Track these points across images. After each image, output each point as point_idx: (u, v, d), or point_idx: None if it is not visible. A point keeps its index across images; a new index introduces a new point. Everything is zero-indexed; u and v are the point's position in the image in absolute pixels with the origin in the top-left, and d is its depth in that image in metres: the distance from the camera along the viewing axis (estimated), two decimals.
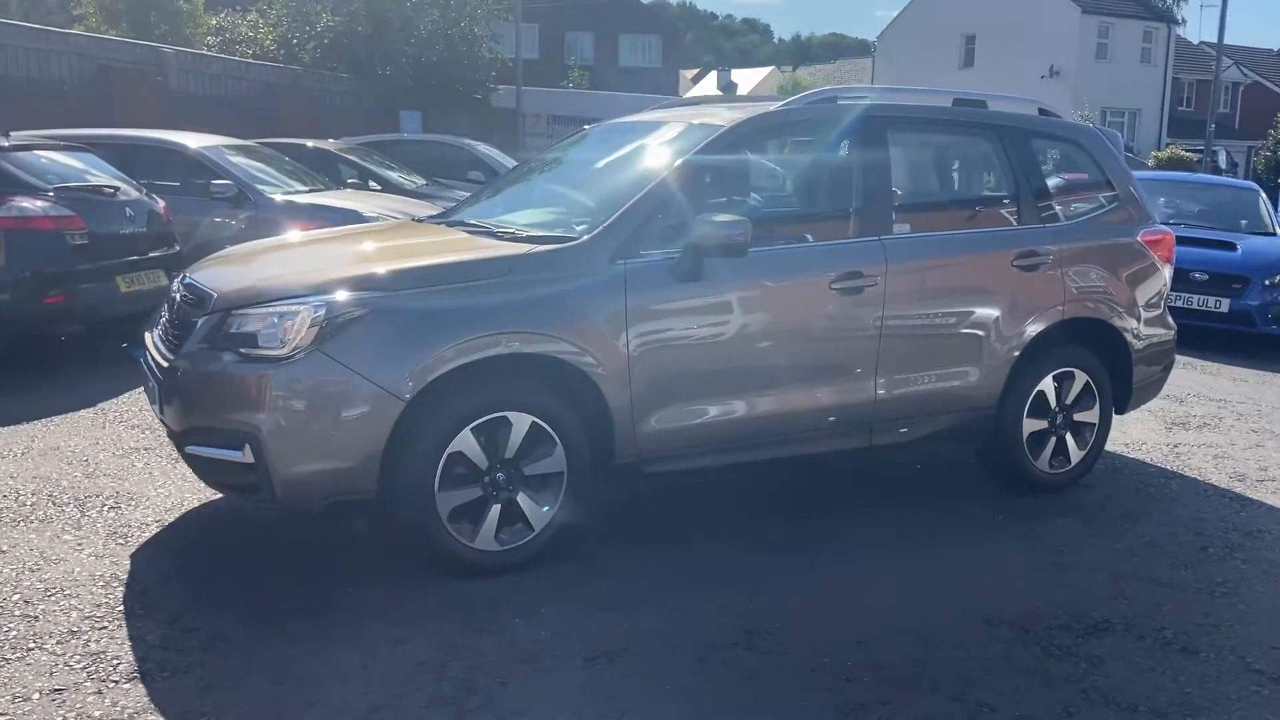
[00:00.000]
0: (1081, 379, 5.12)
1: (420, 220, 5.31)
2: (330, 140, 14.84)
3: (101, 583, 3.73)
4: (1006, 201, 5.12)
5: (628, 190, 4.22)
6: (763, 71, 72.15)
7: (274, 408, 3.56)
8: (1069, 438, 5.12)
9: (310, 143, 14.24)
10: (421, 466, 3.69)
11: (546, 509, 3.94)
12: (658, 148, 4.59)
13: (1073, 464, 5.17)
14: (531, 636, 3.43)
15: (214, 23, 26.04)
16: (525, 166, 5.79)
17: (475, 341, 3.73)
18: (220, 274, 4.15)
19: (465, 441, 3.76)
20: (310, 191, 10.47)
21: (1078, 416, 5.14)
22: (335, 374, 3.57)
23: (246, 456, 3.60)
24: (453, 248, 4.28)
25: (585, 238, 4.06)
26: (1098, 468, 5.47)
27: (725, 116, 4.53)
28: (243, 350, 3.65)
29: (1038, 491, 5.09)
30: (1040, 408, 5.02)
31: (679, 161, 4.26)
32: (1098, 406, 5.18)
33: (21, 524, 4.29)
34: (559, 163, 5.37)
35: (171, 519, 4.40)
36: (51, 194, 7.43)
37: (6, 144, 7.66)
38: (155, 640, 3.32)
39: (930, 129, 5.05)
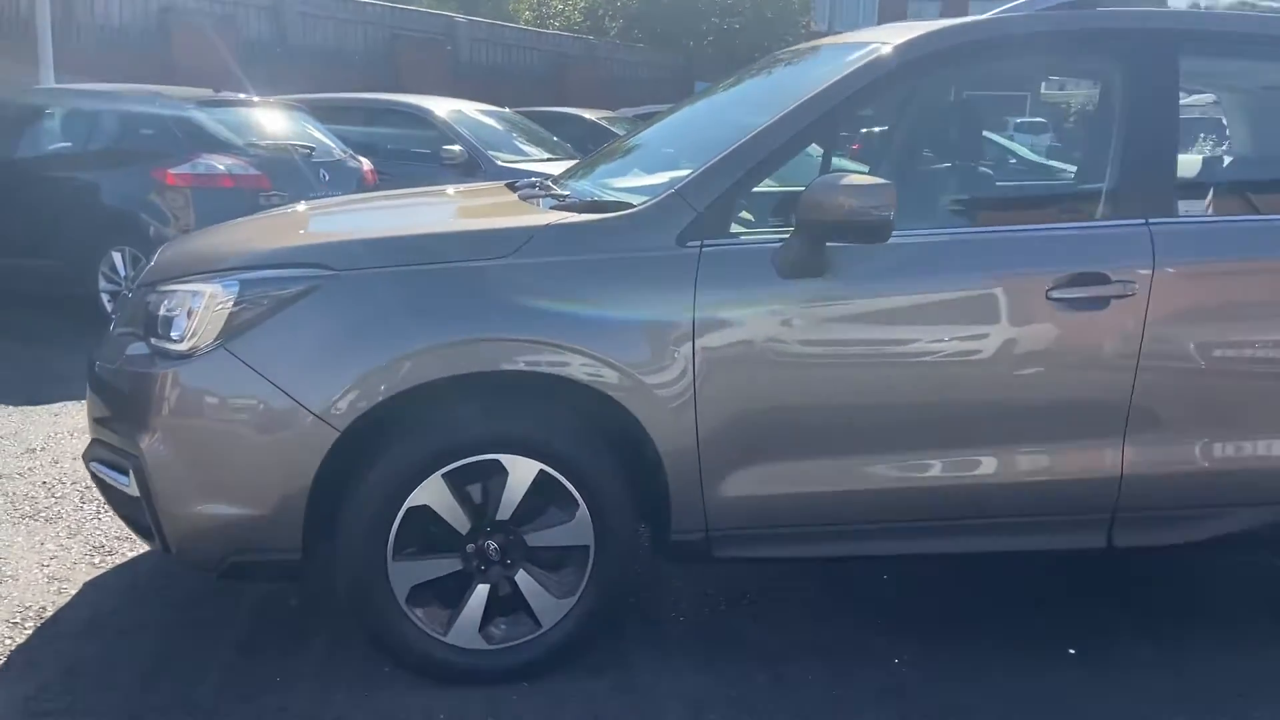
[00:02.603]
0: None
1: (534, 182, 4.14)
2: (605, 111, 14.24)
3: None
4: None
5: (720, 142, 2.83)
6: None
7: (159, 424, 2.56)
8: None
9: (589, 114, 13.75)
10: (366, 523, 2.56)
11: (563, 598, 2.68)
12: (789, 81, 3.15)
13: None
14: None
15: None
16: (695, 108, 4.40)
17: (453, 349, 2.54)
18: (187, 240, 3.21)
19: (434, 493, 2.58)
20: (547, 160, 9.72)
21: None
22: (242, 382, 2.51)
23: (131, 487, 2.63)
24: (476, 214, 3.09)
25: (641, 206, 2.73)
26: None
27: (902, 34, 2.99)
28: (152, 341, 2.67)
29: None
30: None
31: (802, 99, 2.80)
32: None
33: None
34: (715, 105, 3.98)
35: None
36: (243, 152, 7.08)
37: (208, 98, 7.40)
38: None
39: (1255, 53, 3.17)
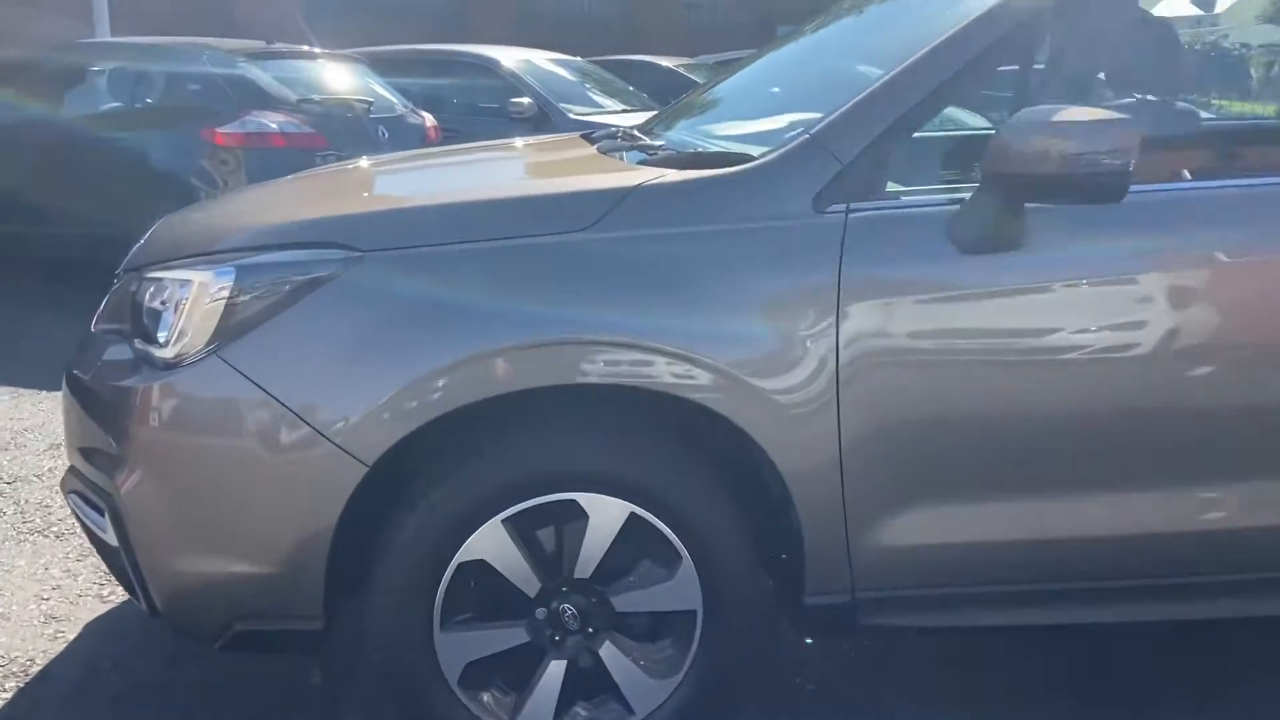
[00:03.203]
0: None
1: (614, 131, 3.43)
2: (683, 58, 13.47)
3: None
4: None
5: (841, 85, 2.12)
6: None
7: (139, 455, 1.96)
8: None
9: (665, 61, 13.02)
10: (406, 584, 1.95)
11: (661, 678, 2.04)
12: (921, 9, 2.40)
13: None
14: None
15: None
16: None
17: (516, 357, 1.89)
18: (192, 210, 2.58)
19: (493, 544, 1.95)
20: (622, 111, 9.02)
21: None
22: (241, 401, 1.90)
23: (109, 534, 2.04)
24: (545, 173, 2.42)
25: (765, 158, 2.03)
26: None
27: None
28: (137, 344, 2.07)
29: None
30: None
31: (969, 17, 2.06)
32: None
33: None
34: (817, 44, 3.23)
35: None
36: (297, 109, 6.52)
37: (260, 50, 6.84)
38: None
39: None
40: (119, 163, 6.36)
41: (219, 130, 6.23)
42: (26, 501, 3.47)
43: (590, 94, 9.35)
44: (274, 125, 6.31)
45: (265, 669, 2.42)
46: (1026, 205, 1.90)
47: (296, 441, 1.88)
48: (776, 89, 3.13)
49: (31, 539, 3.19)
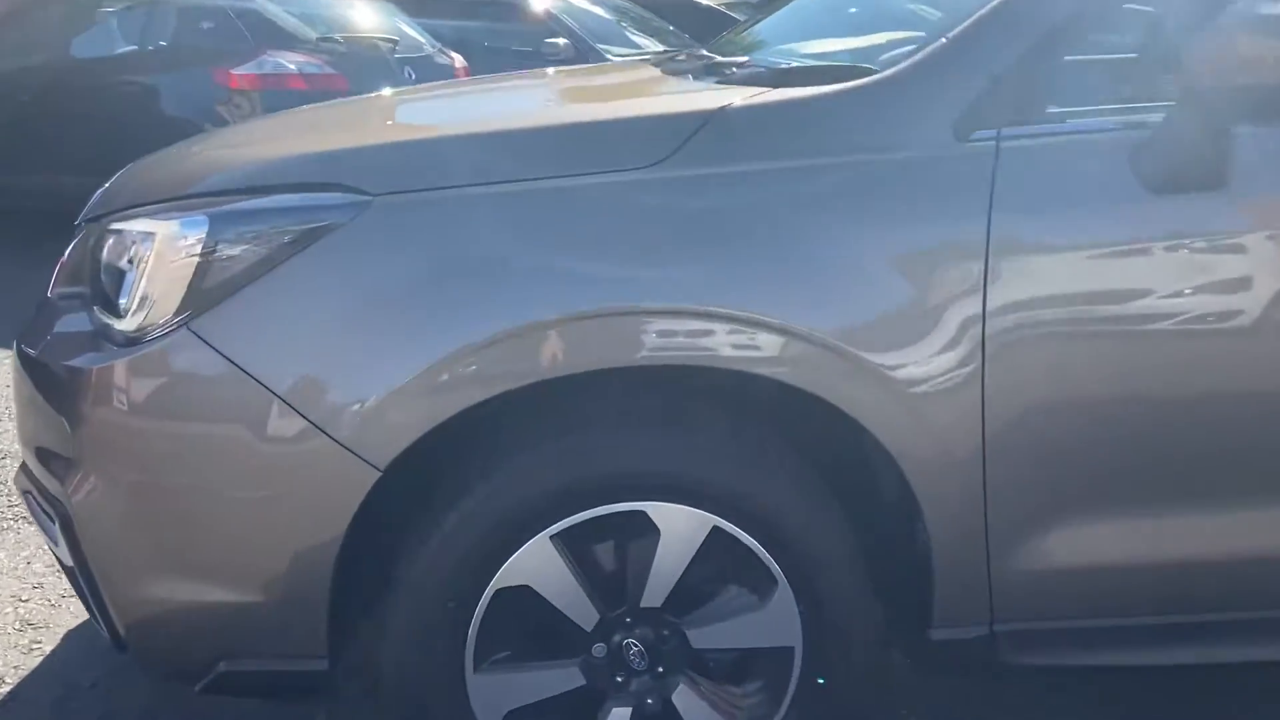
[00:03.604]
0: None
1: (679, 53, 2.93)
2: None
3: None
4: None
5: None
6: None
7: (94, 453, 1.55)
8: None
9: None
10: (430, 615, 1.54)
11: None
12: None
13: None
14: None
15: None
16: None
17: (564, 331, 1.46)
18: (168, 151, 2.13)
19: (539, 565, 1.54)
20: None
21: None
22: (219, 386, 1.49)
23: (62, 550, 1.65)
24: (601, 97, 1.97)
25: (889, 71, 1.57)
26: None
27: None
28: (96, 311, 1.66)
29: None
30: None
31: None
32: None
33: None
34: None
35: None
36: (317, 48, 6.10)
37: None
38: None
39: None
40: (131, 109, 5.97)
41: (233, 72, 5.82)
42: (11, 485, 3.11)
43: (628, 34, 8.89)
44: (292, 66, 5.90)
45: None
46: (1239, 130, 1.44)
47: (289, 438, 1.47)
48: (854, 9, 2.67)
49: (15, 528, 2.83)
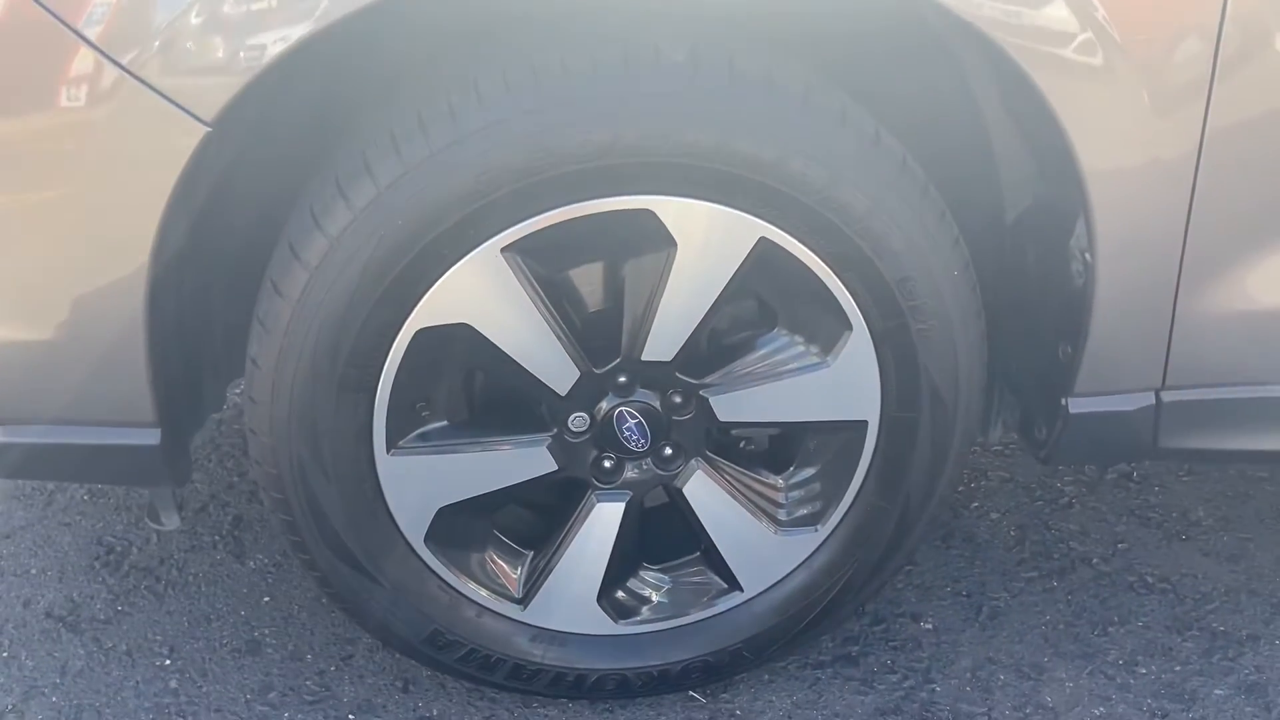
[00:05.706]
0: None
1: None
2: None
3: None
4: None
5: None
6: None
7: None
8: None
9: None
10: (314, 370, 0.98)
11: (789, 531, 1.13)
12: None
13: None
14: None
15: None
16: None
17: None
18: None
19: (485, 293, 0.98)
20: None
21: None
22: None
23: None
24: None
25: None
26: None
27: None
28: None
29: None
30: None
31: None
32: None
33: None
34: None
35: None
36: None
37: None
38: None
39: None
40: None
41: None
42: None
43: None
44: None
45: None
46: None
47: (75, 79, 0.87)
48: None
49: None
